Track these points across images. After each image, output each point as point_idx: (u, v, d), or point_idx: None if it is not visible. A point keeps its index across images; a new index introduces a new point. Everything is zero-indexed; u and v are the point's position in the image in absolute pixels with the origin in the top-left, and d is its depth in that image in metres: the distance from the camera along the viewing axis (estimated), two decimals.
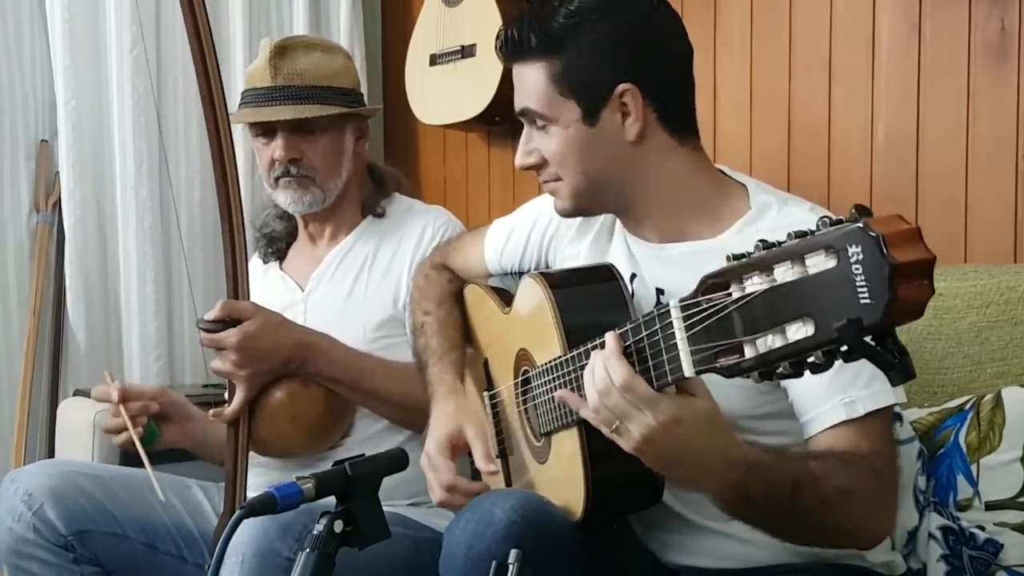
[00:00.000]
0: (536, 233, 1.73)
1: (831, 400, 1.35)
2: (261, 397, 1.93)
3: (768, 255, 0.96)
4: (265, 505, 1.21)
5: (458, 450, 1.63)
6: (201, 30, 1.82)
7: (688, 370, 1.10)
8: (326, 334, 1.98)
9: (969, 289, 1.77)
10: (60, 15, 2.75)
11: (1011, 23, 1.95)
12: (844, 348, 0.92)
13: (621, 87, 1.47)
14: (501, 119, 2.71)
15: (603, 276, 1.50)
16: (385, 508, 1.28)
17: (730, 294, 1.01)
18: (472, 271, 1.85)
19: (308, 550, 1.21)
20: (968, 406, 1.70)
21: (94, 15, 2.81)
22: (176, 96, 2.89)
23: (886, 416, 1.38)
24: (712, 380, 1.21)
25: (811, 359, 0.95)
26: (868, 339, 0.91)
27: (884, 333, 0.91)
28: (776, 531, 1.35)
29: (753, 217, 1.48)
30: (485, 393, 1.73)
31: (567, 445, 1.44)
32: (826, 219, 0.93)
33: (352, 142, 2.12)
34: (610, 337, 1.22)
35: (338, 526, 1.23)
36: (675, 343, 1.11)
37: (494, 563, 1.25)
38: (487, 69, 2.64)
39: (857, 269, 0.88)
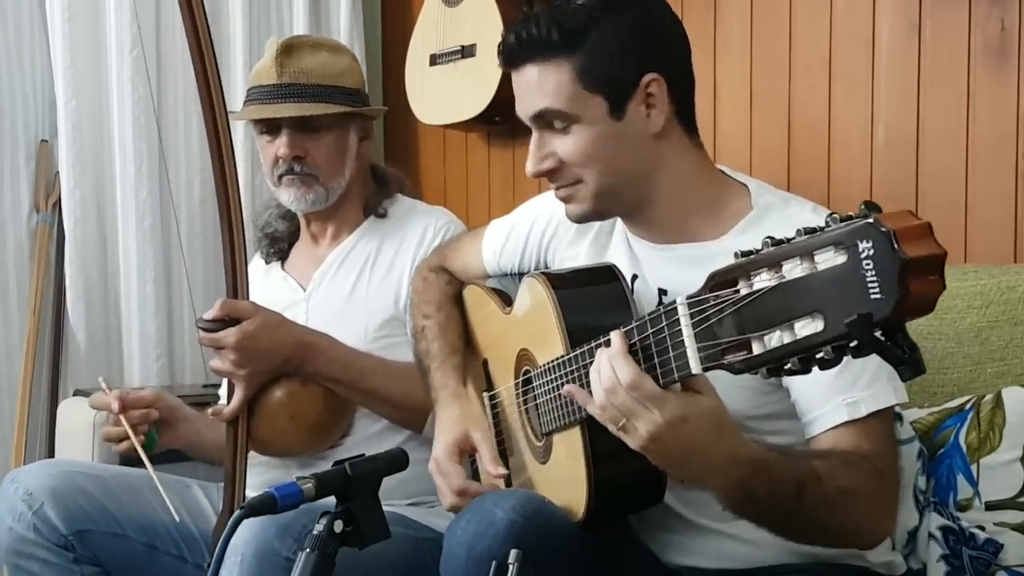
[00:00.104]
0: (535, 234, 1.73)
1: (833, 400, 1.35)
2: (260, 396, 1.93)
3: (777, 252, 0.96)
4: (265, 505, 1.20)
5: (465, 454, 1.63)
6: (200, 30, 1.82)
7: (695, 367, 1.10)
8: (325, 334, 1.98)
9: (969, 289, 1.77)
10: (60, 15, 2.75)
11: (1011, 23, 1.95)
12: (854, 344, 0.92)
13: (648, 77, 1.46)
14: (501, 119, 2.71)
15: (605, 276, 1.50)
16: (385, 508, 1.28)
17: (738, 291, 1.01)
18: (471, 272, 1.85)
19: (308, 550, 1.21)
20: (968, 406, 1.70)
21: (94, 15, 2.81)
22: (176, 96, 2.89)
23: (888, 416, 1.38)
24: (714, 380, 1.21)
25: (820, 355, 0.95)
26: (878, 334, 0.91)
27: (894, 328, 0.91)
28: (779, 530, 1.35)
29: (756, 218, 1.48)
30: (485, 394, 1.73)
31: (569, 444, 1.44)
32: (835, 216, 0.93)
33: (356, 142, 2.12)
34: (616, 336, 1.22)
35: (338, 526, 1.23)
36: (682, 340, 1.11)
37: (494, 563, 1.25)
38: (487, 69, 2.64)
39: (868, 264, 0.88)
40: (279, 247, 2.21)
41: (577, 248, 1.66)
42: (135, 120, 2.79)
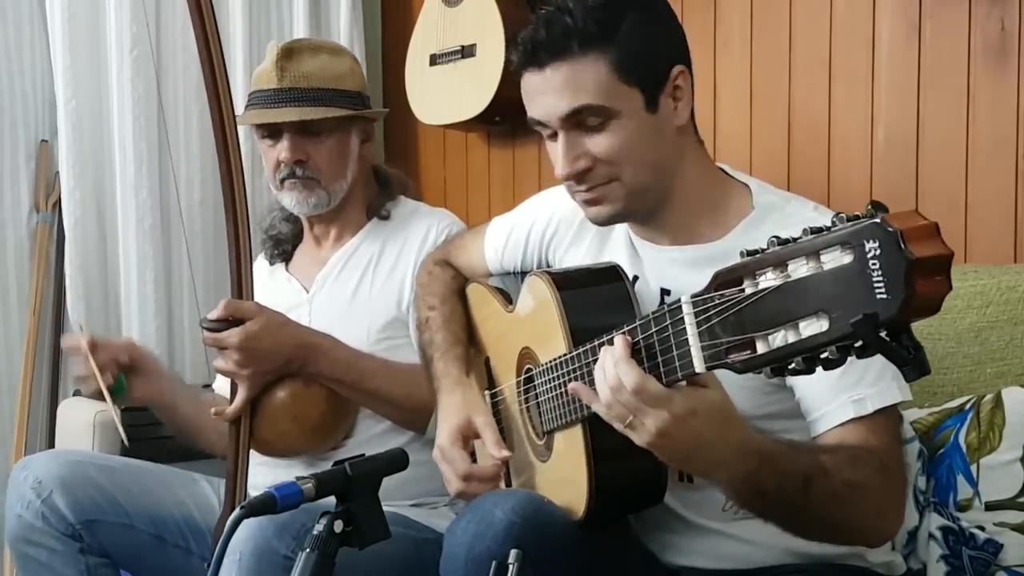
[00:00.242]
0: (535, 234, 1.73)
1: (839, 398, 1.35)
2: (263, 397, 1.93)
3: (783, 251, 0.96)
4: (265, 505, 1.21)
5: (469, 441, 1.61)
6: (208, 32, 1.83)
7: (699, 366, 1.10)
8: (328, 335, 1.98)
9: (969, 289, 1.77)
10: (60, 15, 2.75)
11: (1011, 23, 1.95)
12: (859, 344, 0.91)
13: (676, 68, 1.46)
14: (501, 119, 2.71)
15: (608, 275, 1.50)
16: (385, 508, 1.28)
17: (743, 290, 1.01)
18: (475, 270, 1.85)
19: (308, 550, 1.21)
20: (968, 406, 1.70)
21: (94, 15, 2.81)
22: (176, 96, 2.88)
23: (893, 414, 1.38)
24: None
25: (824, 355, 0.94)
26: (883, 334, 0.90)
27: (900, 329, 0.91)
28: (786, 524, 1.34)
29: (757, 218, 1.48)
30: (486, 392, 1.73)
31: (570, 443, 1.44)
32: (842, 215, 0.92)
33: (357, 144, 2.13)
34: (619, 340, 1.21)
35: (338, 526, 1.23)
36: (686, 339, 1.11)
37: (494, 563, 1.25)
38: (487, 69, 2.64)
39: (874, 264, 0.88)
40: (283, 248, 2.22)
41: (578, 248, 1.66)
42: (135, 120, 2.78)
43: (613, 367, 1.20)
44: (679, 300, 1.12)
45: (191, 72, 2.85)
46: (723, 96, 2.38)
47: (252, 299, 1.91)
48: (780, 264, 0.96)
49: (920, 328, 0.92)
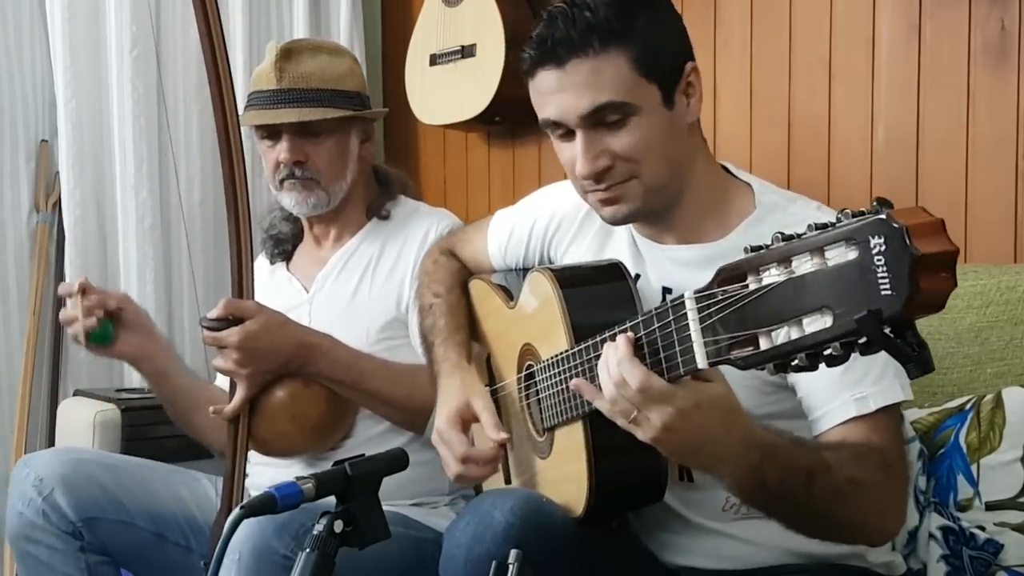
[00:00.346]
0: (537, 230, 1.72)
1: (841, 396, 1.35)
2: (262, 396, 1.93)
3: (787, 247, 0.96)
4: (265, 505, 1.20)
5: (468, 424, 1.59)
6: (213, 32, 1.83)
7: (701, 362, 1.09)
8: (328, 335, 1.98)
9: (969, 289, 1.77)
10: (60, 15, 2.75)
11: (1011, 23, 1.95)
12: (863, 340, 0.91)
13: (689, 64, 1.46)
14: (501, 119, 2.71)
15: (611, 272, 1.50)
16: (385, 508, 1.28)
17: (746, 285, 1.00)
18: (478, 264, 1.84)
19: (308, 550, 1.21)
20: (968, 406, 1.70)
21: (94, 15, 2.81)
22: (176, 96, 2.88)
23: (896, 413, 1.38)
24: None
25: (828, 351, 0.94)
26: (887, 331, 0.90)
27: (904, 326, 0.90)
28: (788, 521, 1.34)
29: (759, 217, 1.48)
30: (487, 388, 1.73)
31: (570, 439, 1.44)
32: (847, 211, 0.92)
33: (357, 144, 2.13)
34: (622, 337, 1.21)
35: (338, 526, 1.23)
36: (688, 335, 1.10)
37: (494, 563, 1.25)
38: (487, 69, 2.64)
39: (879, 260, 0.87)
40: (283, 248, 2.22)
41: (580, 244, 1.65)
42: (135, 120, 2.79)
43: (617, 365, 1.19)
44: (682, 296, 1.11)
45: (191, 72, 2.85)
46: (723, 96, 2.38)
47: (252, 299, 1.91)
48: (784, 260, 0.96)
49: (920, 328, 0.92)
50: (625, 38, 1.40)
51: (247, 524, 1.57)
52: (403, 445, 1.91)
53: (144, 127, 2.79)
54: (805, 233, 0.95)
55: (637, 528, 1.57)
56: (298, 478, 1.23)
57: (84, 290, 1.95)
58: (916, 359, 0.91)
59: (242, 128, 1.92)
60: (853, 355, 0.93)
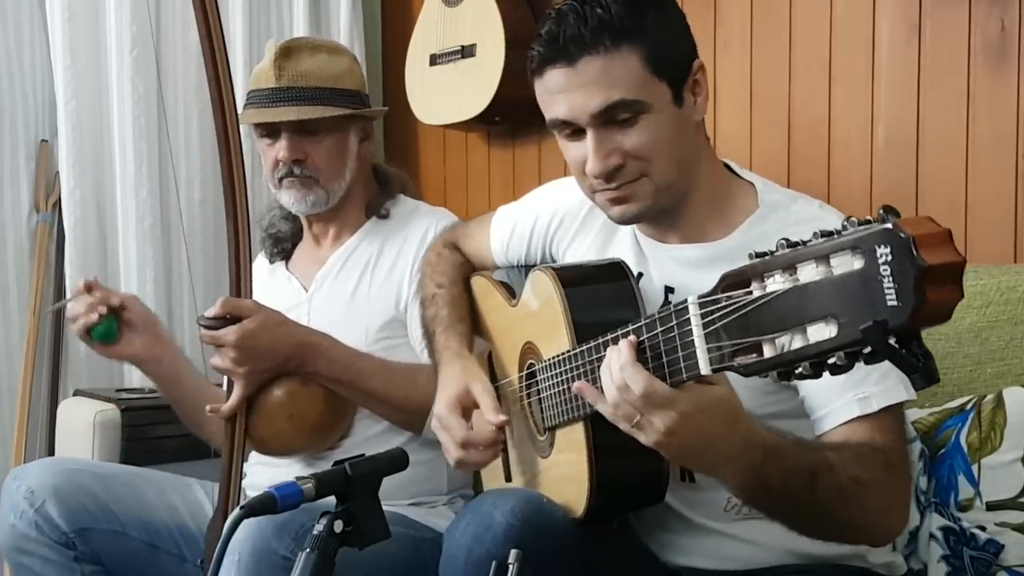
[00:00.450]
0: (539, 228, 1.72)
1: (844, 396, 1.35)
2: (260, 395, 1.93)
3: (792, 254, 0.95)
4: (265, 505, 1.20)
5: (469, 410, 1.58)
6: (213, 32, 1.82)
7: (704, 368, 1.09)
8: (326, 334, 1.98)
9: (969, 289, 1.75)
10: (60, 15, 2.75)
11: (1011, 23, 1.95)
12: (867, 350, 0.90)
13: (696, 62, 1.46)
14: (501, 119, 2.71)
15: (613, 271, 1.50)
16: (385, 508, 1.28)
17: (751, 292, 0.99)
18: (481, 259, 1.84)
19: (308, 550, 1.21)
20: (969, 406, 1.70)
21: (94, 15, 2.81)
22: (176, 96, 2.88)
23: (899, 412, 1.38)
24: None
25: (832, 360, 0.93)
26: (892, 341, 0.89)
27: (910, 336, 0.89)
28: (791, 521, 1.34)
29: (762, 215, 1.48)
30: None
31: (572, 439, 1.44)
32: (853, 219, 0.91)
33: (356, 143, 2.12)
34: (624, 342, 1.20)
35: (338, 526, 1.23)
36: (692, 340, 1.10)
37: (494, 564, 1.25)
38: (487, 69, 2.64)
39: (885, 270, 0.86)
40: (282, 247, 2.22)
41: (582, 242, 1.65)
42: (135, 120, 2.78)
43: (619, 369, 1.19)
44: (685, 301, 1.11)
45: (191, 72, 2.85)
46: (723, 96, 2.38)
47: (251, 298, 1.91)
48: (789, 267, 0.95)
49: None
50: (637, 36, 1.40)
51: (247, 524, 1.56)
52: (402, 445, 1.92)
53: (144, 127, 2.79)
54: (810, 240, 0.94)
55: (638, 528, 1.57)
56: (298, 478, 1.23)
57: (90, 287, 1.97)
58: (921, 370, 0.90)
59: (241, 127, 1.92)
60: (857, 364, 0.93)
